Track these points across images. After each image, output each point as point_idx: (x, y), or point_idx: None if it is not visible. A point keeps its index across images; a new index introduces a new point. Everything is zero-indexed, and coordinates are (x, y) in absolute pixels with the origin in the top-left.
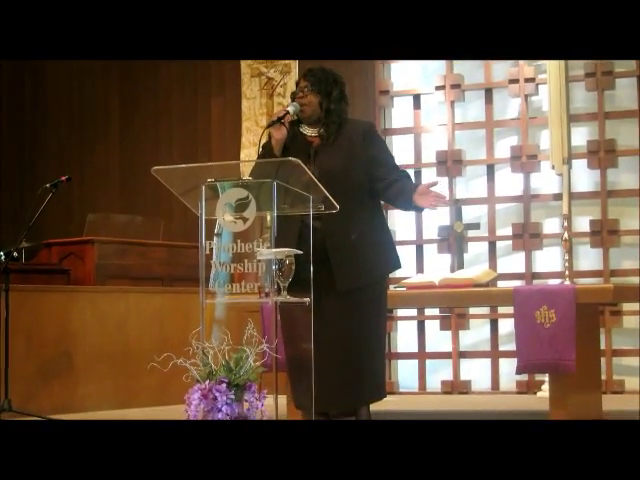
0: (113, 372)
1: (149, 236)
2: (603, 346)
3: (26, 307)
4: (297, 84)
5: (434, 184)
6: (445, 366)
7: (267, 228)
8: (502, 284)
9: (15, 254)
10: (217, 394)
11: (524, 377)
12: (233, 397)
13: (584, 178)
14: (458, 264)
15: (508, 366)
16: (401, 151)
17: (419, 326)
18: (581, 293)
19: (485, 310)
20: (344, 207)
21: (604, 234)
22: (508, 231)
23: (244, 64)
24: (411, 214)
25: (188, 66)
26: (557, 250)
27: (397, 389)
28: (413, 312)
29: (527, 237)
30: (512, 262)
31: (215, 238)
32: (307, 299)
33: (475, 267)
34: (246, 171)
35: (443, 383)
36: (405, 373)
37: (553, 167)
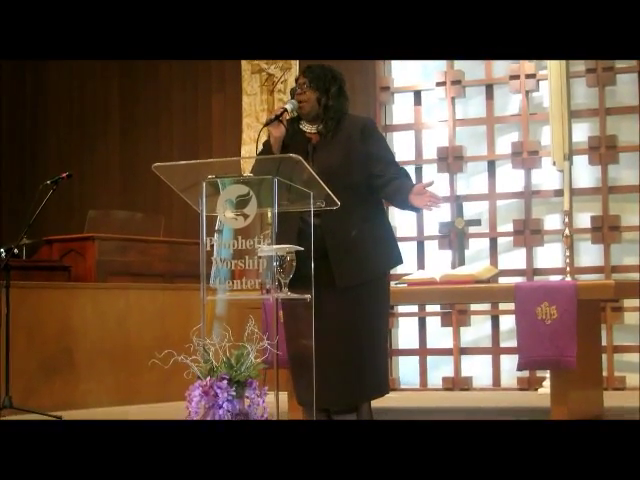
0: (114, 369)
1: (150, 233)
2: (604, 342)
3: (27, 304)
4: (296, 81)
5: (430, 184)
6: (446, 362)
7: (268, 225)
8: (503, 280)
9: (16, 251)
10: (218, 391)
11: (525, 373)
12: (234, 394)
13: (585, 174)
14: (459, 260)
15: (509, 362)
16: (402, 147)
17: (420, 322)
18: (582, 289)
19: (486, 306)
20: (343, 204)
21: (605, 230)
22: (509, 227)
23: (245, 61)
24: None
25: (188, 63)
26: (558, 246)
27: (398, 385)
28: (414, 308)
29: (528, 233)
30: (513, 258)
31: (216, 235)
32: (308, 295)
33: (476, 263)
34: (247, 167)
35: (444, 379)
36: (406, 369)
37: (554, 163)
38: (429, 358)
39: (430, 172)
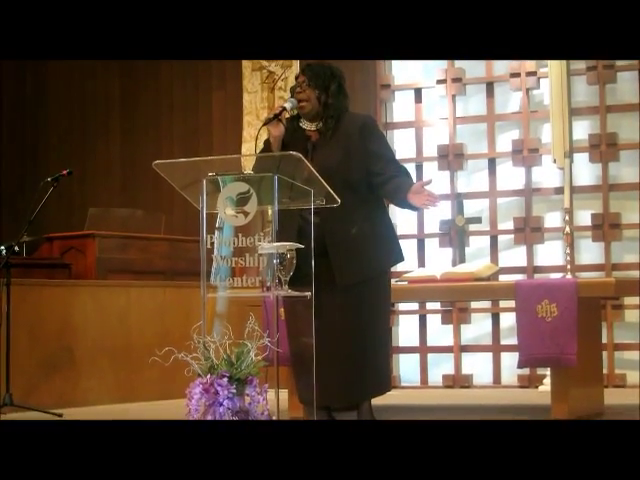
0: (114, 366)
1: (150, 230)
2: (605, 340)
3: (27, 301)
4: (296, 79)
5: (428, 182)
6: (447, 360)
7: (268, 222)
8: (503, 278)
9: (16, 248)
10: (218, 388)
11: (526, 371)
12: (234, 391)
13: (586, 172)
14: (460, 258)
15: (510, 360)
16: (402, 145)
17: (421, 320)
18: (583, 287)
19: (487, 304)
20: (342, 201)
21: (606, 228)
22: (509, 225)
23: None
24: None
25: (189, 61)
26: (559, 244)
27: (399, 383)
28: (415, 306)
29: (528, 231)
30: (513, 256)
31: (216, 232)
32: (308, 293)
33: (477, 261)
34: (247, 165)
35: (445, 377)
36: (407, 367)
37: (554, 161)
38: (430, 356)
39: (431, 170)
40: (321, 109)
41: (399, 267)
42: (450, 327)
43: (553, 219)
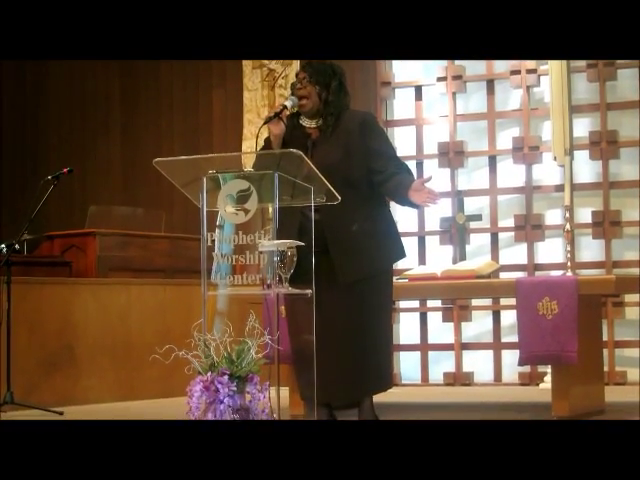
0: (115, 364)
1: (151, 228)
2: (605, 337)
3: (28, 299)
4: (296, 76)
5: (428, 180)
6: (447, 358)
7: (269, 220)
8: (504, 275)
9: (17, 246)
10: (219, 386)
11: (526, 369)
12: (235, 389)
13: (586, 169)
14: (460, 256)
15: (510, 357)
16: (403, 143)
17: (421, 318)
18: (583, 284)
19: (487, 301)
20: (343, 199)
21: (606, 225)
22: (510, 222)
23: None
24: None
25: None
26: (559, 241)
27: (400, 381)
28: (415, 304)
29: (529, 228)
30: (514, 253)
31: (217, 230)
32: (309, 291)
33: (477, 258)
34: (248, 163)
35: (446, 375)
36: (407, 365)
37: (555, 158)
38: (430, 353)
39: (431, 167)
40: (321, 106)
41: (400, 264)
42: (451, 325)
43: (554, 216)
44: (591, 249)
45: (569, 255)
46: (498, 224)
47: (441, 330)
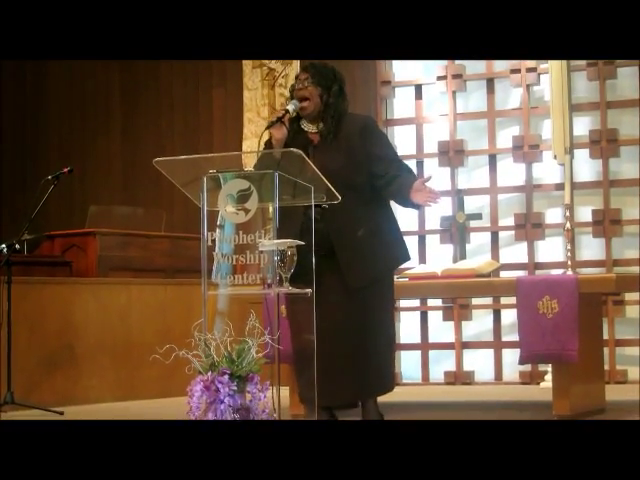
0: (115, 364)
1: (151, 228)
2: (606, 336)
3: (28, 299)
4: (297, 77)
5: (428, 179)
6: (448, 357)
7: (269, 219)
8: (504, 274)
9: (17, 246)
10: (219, 386)
11: (527, 367)
12: (235, 389)
13: (586, 168)
14: (460, 254)
15: (511, 356)
16: (403, 142)
17: (422, 317)
18: (583, 283)
19: (488, 300)
20: (347, 204)
21: (606, 224)
22: (510, 221)
23: None
24: None
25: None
26: (559, 240)
27: (400, 380)
28: (416, 303)
29: (529, 227)
30: (514, 252)
31: (217, 229)
32: (309, 290)
33: (477, 257)
34: (248, 162)
35: (446, 374)
36: (408, 364)
37: (555, 157)
38: (431, 352)
39: (431, 166)
40: (322, 108)
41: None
42: (451, 324)
43: (554, 215)
44: (591, 248)
45: (569, 254)
46: (498, 223)
47: (441, 329)
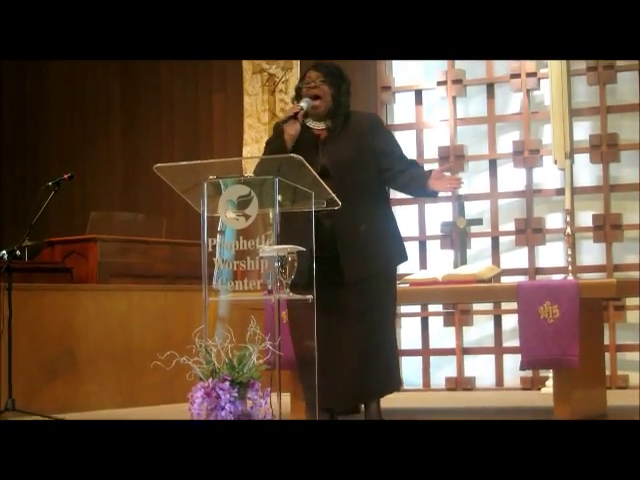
0: (116, 370)
1: (151, 234)
2: (607, 341)
3: (29, 306)
4: (304, 77)
5: (448, 168)
6: (449, 362)
7: (270, 225)
8: (505, 280)
9: (18, 253)
10: (220, 392)
11: (528, 373)
12: (236, 395)
13: (586, 173)
14: (461, 260)
15: (512, 362)
16: (403, 147)
17: (423, 322)
18: (584, 288)
19: (488, 306)
20: (353, 198)
21: (607, 229)
22: (511, 226)
23: (245, 61)
24: (414, 210)
25: (189, 62)
26: (560, 245)
27: (401, 386)
28: (416, 308)
29: (530, 232)
30: (515, 257)
31: (218, 235)
32: (310, 296)
33: (478, 263)
34: (248, 168)
35: (447, 380)
36: (409, 370)
37: (555, 162)
38: (432, 358)
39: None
40: (332, 107)
41: (401, 269)
42: (452, 329)
43: (554, 220)
44: (592, 253)
45: (570, 259)
46: (499, 228)
47: (442, 335)
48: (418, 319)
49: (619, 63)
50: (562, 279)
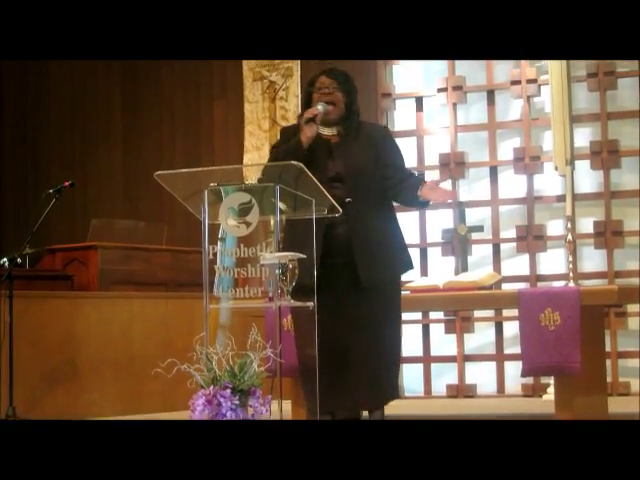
0: (117, 378)
1: (152, 241)
2: (608, 348)
3: (30, 313)
4: (313, 81)
5: (441, 181)
6: (450, 370)
7: (271, 232)
8: (506, 287)
9: (19, 260)
10: (221, 399)
11: (529, 380)
12: (237, 402)
13: (587, 179)
14: (462, 267)
15: (513, 369)
16: (404, 154)
17: (424, 330)
18: (585, 295)
19: (490, 313)
20: (369, 202)
21: (608, 235)
22: (512, 233)
23: (246, 68)
24: (414, 217)
25: (190, 69)
26: (561, 252)
27: (402, 393)
28: (417, 316)
29: (531, 239)
30: (516, 264)
31: (219, 243)
32: (310, 303)
33: (479, 270)
34: (249, 175)
35: (448, 387)
36: (410, 377)
37: (556, 168)
38: (433, 365)
39: (432, 179)
40: (345, 114)
41: (402, 277)
42: (453, 336)
43: (555, 227)
44: (593, 259)
45: (571, 266)
46: (500, 235)
47: (443, 342)
48: (419, 326)
49: (619, 69)
50: (563, 286)
